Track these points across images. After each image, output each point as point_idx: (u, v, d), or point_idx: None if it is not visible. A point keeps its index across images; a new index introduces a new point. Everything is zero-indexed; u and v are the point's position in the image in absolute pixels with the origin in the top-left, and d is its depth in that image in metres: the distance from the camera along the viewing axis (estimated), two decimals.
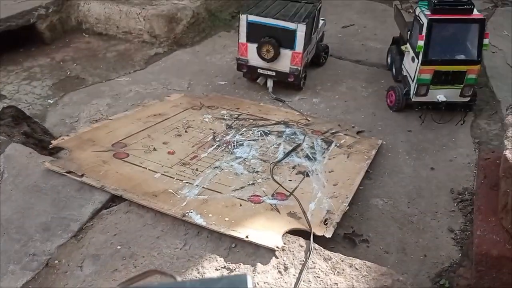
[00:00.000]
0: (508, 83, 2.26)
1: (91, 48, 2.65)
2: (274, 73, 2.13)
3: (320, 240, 1.26)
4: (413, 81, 1.96)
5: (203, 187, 1.40)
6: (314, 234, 1.21)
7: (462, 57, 1.90)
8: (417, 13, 1.97)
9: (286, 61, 2.07)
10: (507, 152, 0.96)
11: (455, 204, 1.57)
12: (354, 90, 2.26)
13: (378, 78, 2.35)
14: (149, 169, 1.46)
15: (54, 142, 1.60)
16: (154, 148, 1.62)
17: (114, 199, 1.36)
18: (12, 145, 1.57)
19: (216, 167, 1.53)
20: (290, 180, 1.50)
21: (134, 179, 1.41)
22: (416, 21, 1.97)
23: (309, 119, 1.99)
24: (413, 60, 1.97)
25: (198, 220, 1.22)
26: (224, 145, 1.69)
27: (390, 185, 1.66)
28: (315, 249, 1.17)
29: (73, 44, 2.68)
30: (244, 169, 1.54)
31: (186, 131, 1.76)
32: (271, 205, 1.34)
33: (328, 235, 1.24)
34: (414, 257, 1.36)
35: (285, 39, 2.03)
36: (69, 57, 2.55)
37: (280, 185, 1.44)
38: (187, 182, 1.42)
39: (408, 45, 2.05)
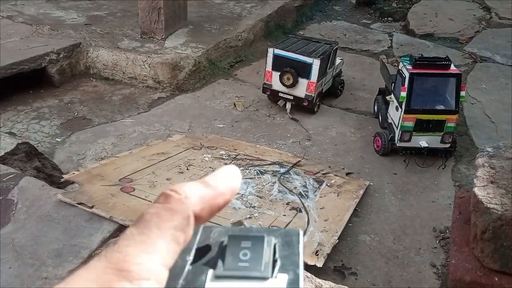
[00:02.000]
0: (486, 132, 2.44)
1: (97, 91, 2.82)
2: (292, 97, 2.53)
3: (312, 271, 1.36)
4: (397, 128, 2.12)
5: None
6: (306, 264, 1.31)
7: (441, 107, 2.08)
8: (399, 67, 2.17)
9: (302, 88, 2.47)
10: (475, 189, 1.10)
11: (437, 241, 1.69)
12: (344, 135, 2.42)
13: (366, 124, 2.52)
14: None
15: (66, 176, 1.71)
16: (157, 183, 1.73)
17: (121, 229, 1.47)
18: (26, 178, 1.68)
19: None
20: (284, 215, 1.62)
21: (140, 211, 1.51)
22: (399, 74, 2.16)
23: (302, 160, 2.13)
24: (397, 109, 2.14)
25: None
26: None
27: (377, 222, 1.78)
28: (307, 277, 1.27)
29: (81, 87, 2.85)
30: (242, 204, 1.66)
31: (187, 169, 1.89)
32: None
33: (319, 264, 1.34)
34: None
35: (303, 70, 2.44)
36: (76, 99, 2.70)
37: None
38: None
39: (392, 95, 2.24)
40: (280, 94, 2.55)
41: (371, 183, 2.01)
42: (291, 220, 1.58)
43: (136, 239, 0.22)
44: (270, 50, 2.50)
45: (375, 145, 2.25)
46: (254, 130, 2.46)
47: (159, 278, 0.22)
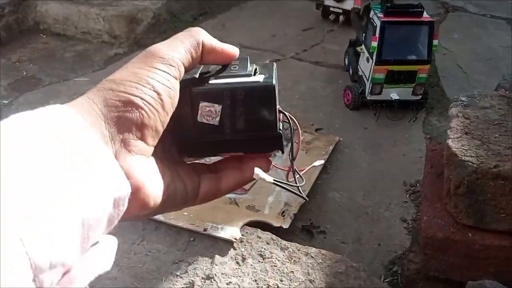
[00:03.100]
0: (458, 83, 2.38)
1: (48, 48, 2.59)
2: (341, 10, 2.78)
3: (278, 232, 1.29)
4: (368, 80, 2.03)
5: None
6: (271, 225, 1.24)
7: (413, 57, 1.98)
8: (371, 16, 2.04)
9: (350, 2, 2.64)
10: (449, 141, 1.02)
11: (407, 195, 1.64)
12: (314, 90, 2.32)
13: (336, 78, 2.42)
14: None
15: None
16: None
17: None
18: None
19: None
20: None
21: None
22: (370, 23, 2.04)
23: None
24: (367, 60, 2.04)
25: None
26: None
27: (346, 179, 1.71)
28: (273, 239, 1.20)
29: (30, 44, 2.61)
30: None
31: None
32: (230, 199, 1.36)
33: (285, 226, 1.27)
34: (368, 246, 1.41)
35: None
36: (25, 58, 2.48)
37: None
38: None
39: (363, 46, 2.13)
40: (331, 9, 2.81)
41: (341, 139, 1.93)
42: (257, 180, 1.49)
43: (166, 43, 0.32)
44: None
45: (345, 99, 2.16)
46: None
47: (180, 69, 0.31)
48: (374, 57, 1.95)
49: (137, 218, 0.30)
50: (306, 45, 2.72)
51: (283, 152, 0.38)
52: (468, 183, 0.95)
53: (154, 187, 0.29)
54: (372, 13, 2.04)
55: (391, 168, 1.79)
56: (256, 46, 2.73)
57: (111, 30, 2.60)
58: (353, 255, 1.37)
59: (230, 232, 1.18)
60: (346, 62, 2.44)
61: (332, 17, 2.85)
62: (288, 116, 0.37)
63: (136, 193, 0.27)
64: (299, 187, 0.41)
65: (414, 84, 1.99)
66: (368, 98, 2.04)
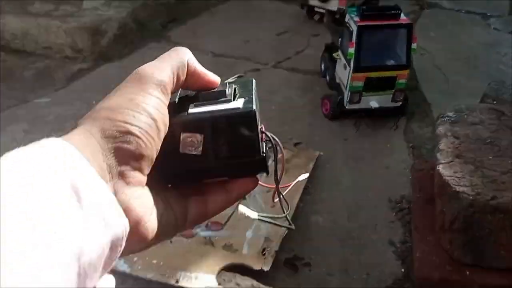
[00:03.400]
0: (438, 85, 2.31)
1: (6, 67, 2.42)
2: (324, 11, 2.70)
3: (260, 274, 1.18)
4: (346, 88, 1.93)
5: None
6: (251, 268, 1.13)
7: (392, 62, 1.90)
8: (346, 20, 1.95)
9: (335, 2, 2.61)
10: (440, 168, 0.93)
11: (394, 214, 1.55)
12: (290, 100, 2.22)
13: (313, 85, 2.32)
14: None
15: None
16: None
17: None
18: None
19: None
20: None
21: None
22: (346, 28, 1.94)
23: None
24: (345, 67, 1.95)
25: (122, 266, 1.09)
26: None
27: (329, 199, 1.62)
28: (253, 286, 1.09)
29: None
30: None
31: None
32: (205, 238, 1.24)
33: (266, 267, 1.16)
34: (357, 277, 1.31)
35: None
36: None
37: None
38: None
39: (340, 52, 2.03)
40: (316, 9, 2.73)
41: (321, 153, 1.83)
42: (234, 212, 1.37)
43: (154, 62, 0.34)
44: None
45: (323, 109, 2.06)
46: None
47: (167, 86, 0.32)
48: (351, 64, 1.86)
49: (131, 252, 0.29)
50: (281, 51, 2.61)
51: (268, 174, 0.38)
52: (464, 217, 0.86)
53: (152, 219, 0.29)
54: (347, 17, 1.94)
55: (375, 183, 1.70)
56: (229, 53, 2.61)
57: (73, 43, 2.44)
58: None
59: (205, 281, 1.06)
60: (323, 68, 2.34)
61: (316, 17, 2.80)
62: (271, 137, 0.38)
63: (135, 228, 0.27)
64: (287, 216, 0.43)
65: (393, 91, 1.91)
66: (347, 107, 1.95)
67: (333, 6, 2.64)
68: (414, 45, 1.87)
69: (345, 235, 1.46)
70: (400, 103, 1.97)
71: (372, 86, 1.89)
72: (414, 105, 2.14)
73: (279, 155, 0.38)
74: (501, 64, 2.53)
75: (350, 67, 1.88)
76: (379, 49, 1.92)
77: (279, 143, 0.38)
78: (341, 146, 1.90)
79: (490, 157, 0.95)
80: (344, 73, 1.96)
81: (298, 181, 0.47)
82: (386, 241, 1.44)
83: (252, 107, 0.34)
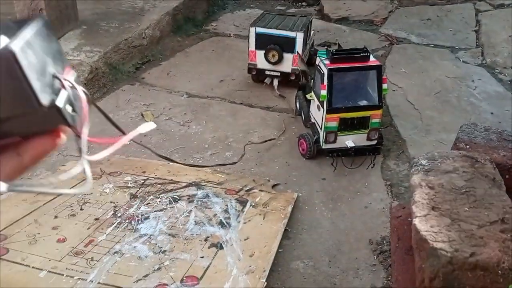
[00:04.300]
0: (411, 121, 2.34)
1: None
2: (278, 73, 2.50)
3: None
4: (321, 129, 1.94)
5: (98, 283, 1.20)
6: None
7: (364, 102, 1.92)
8: (317, 63, 1.98)
9: (288, 63, 2.45)
10: (416, 222, 0.91)
11: (375, 256, 1.53)
12: (267, 139, 2.20)
13: (289, 124, 2.33)
14: (32, 267, 1.24)
15: None
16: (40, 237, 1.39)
17: None
18: None
19: (116, 252, 1.34)
20: (202, 257, 1.36)
21: (13, 283, 1.18)
22: (317, 71, 1.97)
23: (222, 176, 1.88)
24: (318, 108, 1.96)
25: None
26: (127, 221, 1.51)
27: (309, 243, 1.59)
28: None
29: None
30: (149, 250, 1.37)
31: (81, 209, 1.56)
32: None
33: None
34: None
35: (287, 45, 2.40)
36: None
37: None
38: (79, 278, 1.21)
39: (313, 93, 2.05)
40: (267, 72, 2.53)
41: (300, 194, 1.81)
42: (210, 263, 1.33)
43: None
44: (252, 29, 2.44)
45: (300, 148, 2.06)
46: (166, 144, 2.16)
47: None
48: (324, 106, 1.87)
49: None
50: (256, 90, 2.62)
51: (69, 126, 0.33)
52: (443, 275, 0.84)
53: None
54: (318, 60, 1.96)
55: (354, 224, 1.68)
56: (203, 94, 2.61)
57: None
58: None
59: None
60: (298, 106, 2.35)
61: (268, 80, 2.57)
62: (70, 83, 0.31)
63: None
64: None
65: (368, 130, 1.92)
66: (323, 147, 1.95)
67: (287, 68, 2.48)
68: (385, 86, 1.90)
69: (327, 282, 1.42)
70: (376, 141, 1.98)
71: (347, 126, 1.91)
72: (389, 142, 2.16)
73: (83, 103, 0.32)
74: (472, 97, 2.59)
75: (323, 108, 1.89)
76: (351, 91, 1.94)
77: (79, 88, 0.32)
78: (319, 185, 1.89)
79: (466, 209, 0.95)
80: (318, 114, 1.97)
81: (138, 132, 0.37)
82: (368, 287, 1.41)
83: (10, 45, 0.26)
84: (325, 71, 1.84)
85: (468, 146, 1.23)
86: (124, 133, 0.38)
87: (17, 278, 1.21)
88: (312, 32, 2.81)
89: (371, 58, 1.91)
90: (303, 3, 3.99)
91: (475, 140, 1.26)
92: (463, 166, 1.09)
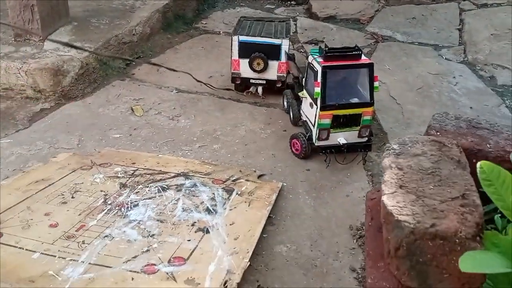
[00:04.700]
0: (393, 115, 2.42)
1: None
2: (264, 81, 2.49)
3: None
4: (314, 126, 1.99)
5: (89, 263, 1.26)
6: None
7: (356, 100, 1.97)
8: (310, 61, 2.02)
9: (273, 71, 2.45)
10: (384, 198, 0.98)
11: (355, 241, 1.60)
12: (254, 133, 2.27)
13: (276, 118, 2.40)
14: (26, 249, 1.30)
15: None
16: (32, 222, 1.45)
17: None
18: None
19: (106, 236, 1.41)
20: (189, 240, 1.42)
21: (7, 264, 1.23)
22: (310, 68, 2.01)
23: (210, 166, 1.95)
24: (311, 105, 2.00)
25: None
26: (117, 208, 1.57)
27: (292, 229, 1.66)
28: None
29: None
30: (138, 234, 1.43)
31: (72, 197, 1.61)
32: (167, 273, 1.25)
33: None
34: None
35: (272, 52, 2.40)
36: None
37: None
38: (71, 260, 1.27)
39: (305, 91, 2.09)
40: (252, 81, 2.51)
41: (284, 184, 1.88)
42: (197, 246, 1.39)
43: None
44: (235, 38, 2.42)
45: (293, 149, 2.09)
46: (155, 137, 2.22)
47: None
48: (318, 103, 1.92)
49: None
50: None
51: None
52: (406, 245, 0.91)
53: None
54: (310, 57, 2.01)
55: (336, 211, 1.76)
56: (192, 89, 2.67)
57: (35, 84, 2.44)
58: None
59: None
60: (285, 104, 2.41)
61: (253, 89, 2.55)
62: None
63: None
64: None
65: (359, 127, 1.98)
66: (316, 144, 2.00)
67: (272, 75, 2.47)
68: (376, 83, 1.95)
69: (308, 264, 1.49)
70: (366, 138, 2.03)
71: (339, 123, 1.95)
72: (372, 135, 2.24)
73: None
74: (452, 93, 2.69)
75: (317, 105, 1.94)
76: (343, 88, 1.99)
77: None
78: (304, 176, 1.96)
79: (431, 187, 1.02)
80: (310, 112, 2.02)
81: None
82: (347, 268, 1.48)
83: None
84: (319, 69, 1.89)
85: (438, 133, 1.31)
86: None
87: (11, 259, 1.26)
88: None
89: (363, 56, 1.97)
90: (292, 2, 4.07)
91: (446, 128, 1.34)
92: (431, 149, 1.17)
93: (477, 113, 2.44)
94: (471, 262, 0.81)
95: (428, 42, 3.38)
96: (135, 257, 1.31)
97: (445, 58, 3.14)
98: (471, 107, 2.52)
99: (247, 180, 1.85)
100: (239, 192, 1.75)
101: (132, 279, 1.22)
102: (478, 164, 0.97)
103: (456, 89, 2.73)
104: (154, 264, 1.28)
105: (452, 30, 3.54)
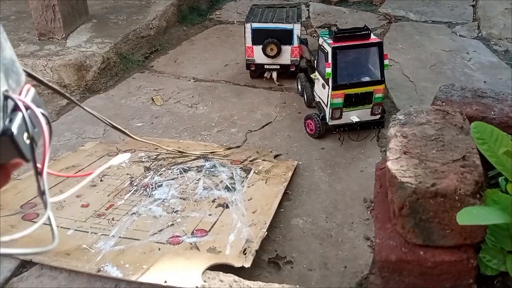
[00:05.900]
0: (406, 92, 2.46)
1: None
2: (278, 66, 2.56)
3: (243, 271, 1.29)
4: (327, 106, 2.05)
5: (119, 237, 1.38)
6: (233, 266, 1.23)
7: (367, 78, 2.02)
8: (320, 43, 2.07)
9: (287, 55, 2.52)
10: (389, 163, 1.05)
11: (369, 212, 1.67)
12: (270, 116, 2.35)
13: (291, 101, 2.46)
14: (61, 227, 1.41)
15: None
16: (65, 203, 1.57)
17: (25, 265, 1.30)
18: None
19: (133, 213, 1.51)
20: (210, 215, 1.52)
21: (44, 240, 1.35)
22: (321, 50, 2.07)
23: (228, 149, 2.04)
24: (323, 86, 2.06)
25: (114, 272, 1.19)
26: (142, 188, 1.68)
27: (308, 203, 1.73)
28: (235, 281, 1.20)
29: None
30: (163, 210, 1.54)
31: (101, 180, 1.73)
32: (191, 243, 1.35)
33: (247, 264, 1.26)
34: (335, 270, 1.42)
35: (284, 37, 2.47)
36: None
37: None
38: (102, 234, 1.39)
39: (317, 73, 2.15)
40: (266, 66, 2.58)
41: (300, 162, 1.96)
42: (218, 219, 1.49)
43: None
44: (248, 26, 2.48)
45: (308, 129, 2.16)
46: (176, 124, 2.33)
47: None
48: (330, 83, 1.97)
49: None
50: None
51: (27, 160, 0.23)
52: (409, 204, 0.98)
53: None
54: (321, 40, 2.07)
55: (350, 186, 1.82)
56: (209, 78, 2.76)
57: (60, 80, 2.57)
58: (320, 282, 1.38)
59: (192, 280, 1.17)
60: (299, 87, 2.48)
61: (268, 74, 2.62)
62: (22, 104, 0.21)
63: None
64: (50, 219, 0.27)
65: (371, 105, 2.03)
66: (329, 123, 2.06)
67: (285, 60, 2.52)
68: (386, 61, 2.00)
69: (323, 234, 1.57)
70: (379, 116, 2.08)
71: (351, 102, 2.01)
72: (385, 112, 2.28)
73: (43, 129, 0.20)
74: (466, 68, 2.70)
75: (329, 86, 1.99)
76: (354, 67, 2.04)
77: (38, 111, 0.22)
78: (319, 154, 2.03)
79: (434, 152, 1.08)
80: (323, 92, 2.08)
81: (111, 165, 0.32)
82: (361, 237, 1.55)
83: None
84: (329, 50, 1.95)
85: (444, 103, 1.36)
86: (132, 136, 0.35)
87: (48, 236, 1.38)
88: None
89: (372, 36, 2.02)
90: None
91: (451, 98, 1.39)
92: (435, 118, 1.22)
93: (491, 87, 2.45)
94: (468, 216, 0.88)
95: (442, 20, 3.37)
96: (160, 230, 1.42)
97: (459, 35, 3.13)
98: (484, 81, 2.53)
99: (264, 160, 1.93)
100: (256, 171, 1.83)
101: (159, 249, 1.32)
102: (472, 125, 1.02)
103: (470, 64, 2.74)
104: (179, 236, 1.38)
105: (466, 7, 3.52)
